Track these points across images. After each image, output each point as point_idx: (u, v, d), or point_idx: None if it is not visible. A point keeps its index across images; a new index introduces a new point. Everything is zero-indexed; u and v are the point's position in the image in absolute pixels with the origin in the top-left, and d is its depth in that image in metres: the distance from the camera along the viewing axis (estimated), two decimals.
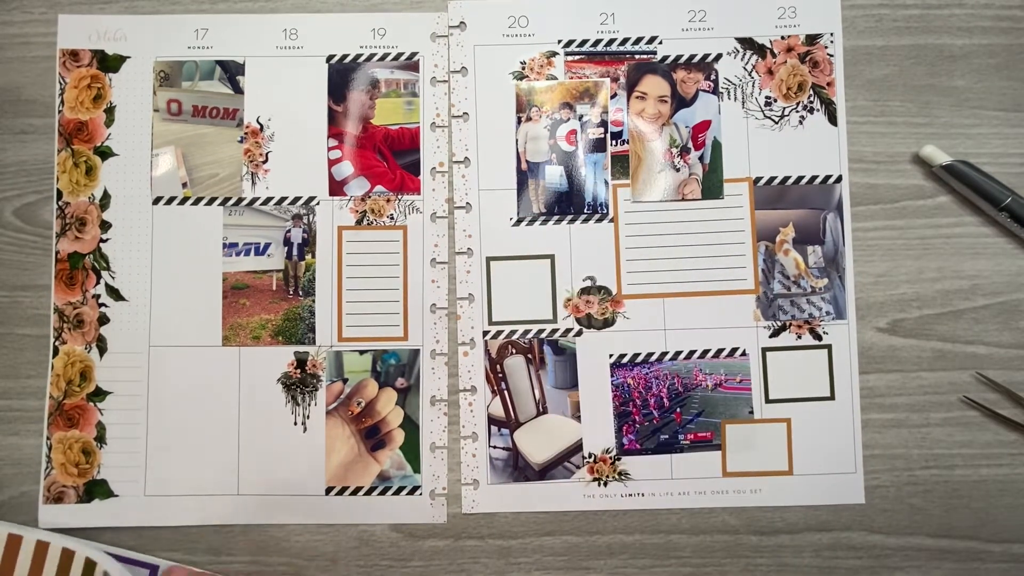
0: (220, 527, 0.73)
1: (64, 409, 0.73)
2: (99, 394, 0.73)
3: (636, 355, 0.74)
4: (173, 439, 0.73)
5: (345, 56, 0.75)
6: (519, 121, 0.75)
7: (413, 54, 0.75)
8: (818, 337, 0.73)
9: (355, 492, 0.73)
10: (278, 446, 0.73)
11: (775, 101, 0.74)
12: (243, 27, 0.75)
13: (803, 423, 0.73)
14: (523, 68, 0.75)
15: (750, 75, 0.74)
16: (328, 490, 0.73)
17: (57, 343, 0.74)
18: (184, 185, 0.75)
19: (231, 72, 0.75)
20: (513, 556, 0.73)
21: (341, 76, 0.75)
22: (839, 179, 0.74)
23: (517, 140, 0.75)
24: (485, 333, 0.74)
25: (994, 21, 0.75)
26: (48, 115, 0.75)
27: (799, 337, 0.74)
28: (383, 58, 0.75)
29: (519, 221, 0.75)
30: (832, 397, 0.73)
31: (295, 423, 0.73)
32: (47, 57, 0.75)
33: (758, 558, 0.73)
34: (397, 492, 0.73)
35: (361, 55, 0.75)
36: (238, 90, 0.75)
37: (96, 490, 0.73)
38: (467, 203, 0.75)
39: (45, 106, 0.75)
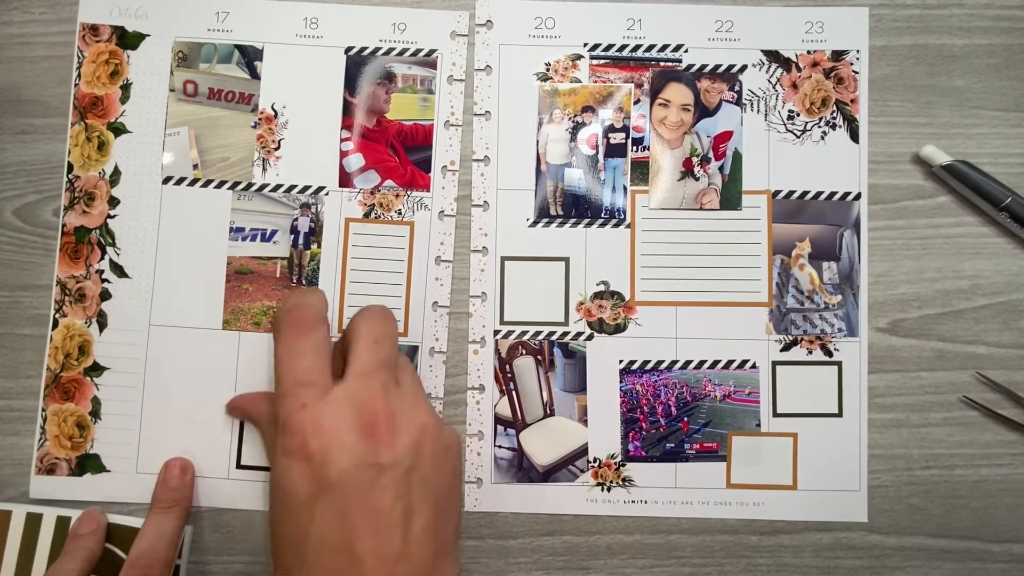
0: (219, 526, 0.72)
1: (61, 382, 0.72)
2: (96, 369, 0.72)
3: (646, 362, 0.73)
4: (168, 419, 0.72)
5: (364, 48, 0.75)
6: (540, 122, 0.75)
7: (432, 51, 0.75)
8: (829, 353, 0.73)
9: None
10: None
11: (798, 115, 0.75)
12: (264, 13, 0.75)
13: (809, 439, 0.73)
14: (547, 69, 0.75)
15: (774, 88, 0.75)
16: None
17: (57, 316, 0.72)
18: (195, 167, 0.74)
19: (249, 57, 0.74)
20: (513, 556, 0.72)
21: (359, 68, 0.75)
22: (858, 196, 0.74)
23: (538, 141, 0.75)
24: (496, 332, 0.73)
25: (994, 21, 0.76)
26: (48, 115, 0.73)
27: (810, 352, 0.73)
28: (401, 53, 0.75)
29: (536, 222, 0.74)
30: (840, 414, 0.73)
31: None
32: (47, 57, 0.74)
33: (758, 558, 0.72)
34: None
35: (380, 49, 0.75)
36: (255, 75, 0.74)
37: (88, 464, 0.71)
38: (484, 201, 0.74)
39: (45, 106, 0.74)
